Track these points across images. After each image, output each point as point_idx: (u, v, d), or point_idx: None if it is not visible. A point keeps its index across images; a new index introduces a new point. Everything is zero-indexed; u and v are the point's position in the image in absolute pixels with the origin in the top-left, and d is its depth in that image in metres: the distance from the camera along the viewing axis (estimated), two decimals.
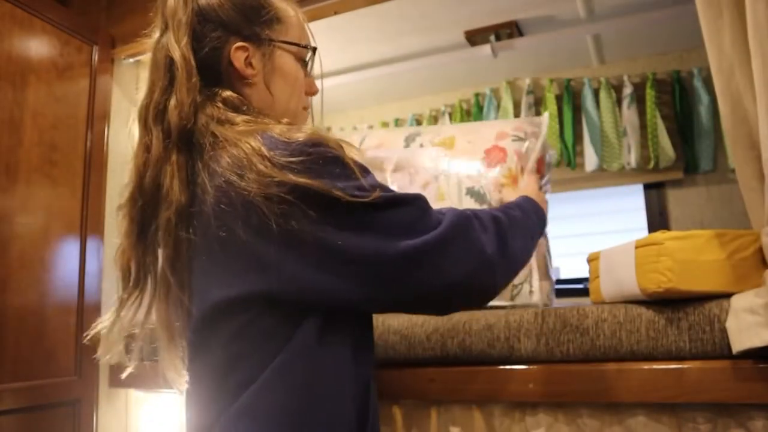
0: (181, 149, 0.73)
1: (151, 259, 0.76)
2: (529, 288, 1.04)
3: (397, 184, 1.11)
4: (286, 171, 0.65)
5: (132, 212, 0.75)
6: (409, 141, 1.18)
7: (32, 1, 1.78)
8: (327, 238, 0.65)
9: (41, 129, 1.78)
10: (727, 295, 0.84)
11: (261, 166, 0.66)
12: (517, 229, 0.80)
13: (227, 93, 0.78)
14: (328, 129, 3.45)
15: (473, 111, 3.11)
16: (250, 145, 0.68)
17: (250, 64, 0.82)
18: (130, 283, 0.77)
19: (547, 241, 1.17)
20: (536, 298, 1.04)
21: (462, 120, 3.10)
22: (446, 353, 0.98)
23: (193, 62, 0.77)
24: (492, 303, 1.01)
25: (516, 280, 1.05)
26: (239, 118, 0.75)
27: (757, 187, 0.88)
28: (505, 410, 0.96)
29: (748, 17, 0.83)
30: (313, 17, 1.91)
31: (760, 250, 0.85)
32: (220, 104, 0.77)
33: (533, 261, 1.07)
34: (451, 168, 1.10)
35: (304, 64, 0.87)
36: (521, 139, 1.10)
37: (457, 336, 0.97)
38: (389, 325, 1.03)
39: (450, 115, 3.18)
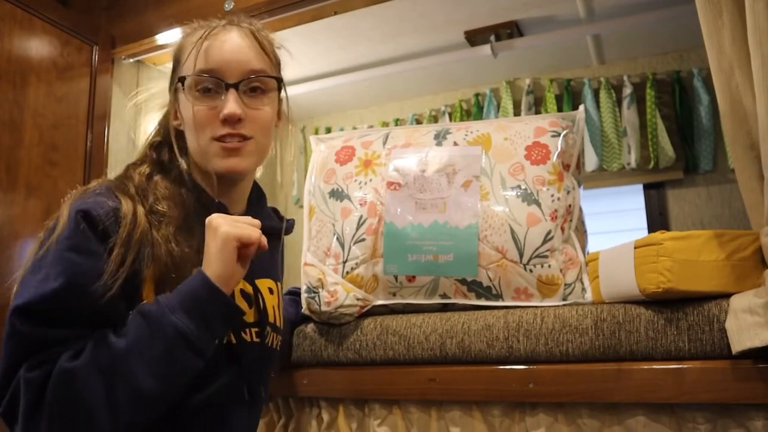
0: None
1: None
2: (581, 286, 1.02)
3: (434, 185, 1.06)
4: None
5: None
6: (440, 138, 1.13)
7: (32, 1, 1.78)
8: None
9: (41, 129, 1.78)
10: (727, 295, 0.84)
11: None
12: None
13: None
14: (329, 129, 3.45)
15: (473, 111, 3.11)
16: None
17: (179, 115, 0.88)
18: None
19: (586, 236, 1.12)
20: (588, 295, 1.01)
21: (462, 120, 3.10)
22: (445, 353, 0.98)
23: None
24: (543, 303, 0.99)
25: (568, 279, 1.01)
26: None
27: (756, 187, 0.88)
28: (505, 410, 0.96)
29: (747, 17, 0.83)
30: (313, 17, 1.91)
31: (760, 250, 0.85)
32: None
33: (581, 259, 1.04)
34: (492, 166, 1.07)
35: (201, 91, 0.84)
36: (559, 135, 1.09)
37: (456, 336, 0.97)
38: (387, 325, 1.03)
39: (450, 115, 3.18)
